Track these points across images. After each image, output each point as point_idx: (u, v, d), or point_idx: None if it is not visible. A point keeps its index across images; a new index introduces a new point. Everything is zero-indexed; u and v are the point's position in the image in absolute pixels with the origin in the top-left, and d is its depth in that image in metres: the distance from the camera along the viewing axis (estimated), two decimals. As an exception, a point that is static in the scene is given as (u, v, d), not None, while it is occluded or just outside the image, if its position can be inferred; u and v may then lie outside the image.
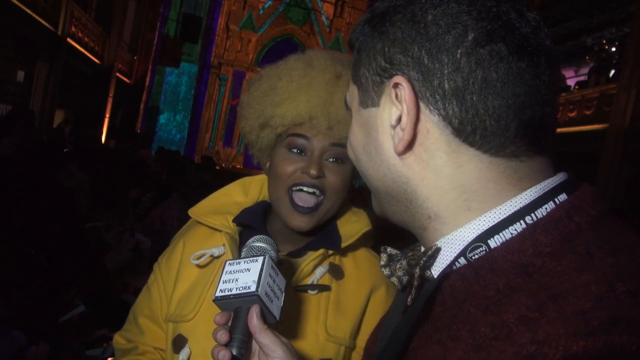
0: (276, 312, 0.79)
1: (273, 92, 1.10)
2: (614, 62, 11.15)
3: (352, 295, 1.12)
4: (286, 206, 1.08)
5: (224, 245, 1.13)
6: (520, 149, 0.58)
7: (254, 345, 0.78)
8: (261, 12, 20.39)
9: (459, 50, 0.55)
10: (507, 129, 0.56)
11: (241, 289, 0.77)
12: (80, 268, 2.51)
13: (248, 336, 0.76)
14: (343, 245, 1.13)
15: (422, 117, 0.59)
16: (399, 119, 0.60)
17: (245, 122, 1.17)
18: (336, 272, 1.13)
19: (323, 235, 1.15)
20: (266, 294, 0.77)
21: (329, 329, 1.07)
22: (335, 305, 1.10)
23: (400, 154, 0.60)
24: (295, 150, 1.09)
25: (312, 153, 1.08)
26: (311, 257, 1.10)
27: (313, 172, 1.05)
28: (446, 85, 0.56)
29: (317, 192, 1.07)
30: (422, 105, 0.58)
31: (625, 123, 9.68)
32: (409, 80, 0.58)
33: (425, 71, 0.57)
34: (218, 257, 1.13)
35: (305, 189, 1.07)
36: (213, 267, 1.13)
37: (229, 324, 0.78)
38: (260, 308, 0.76)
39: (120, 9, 14.24)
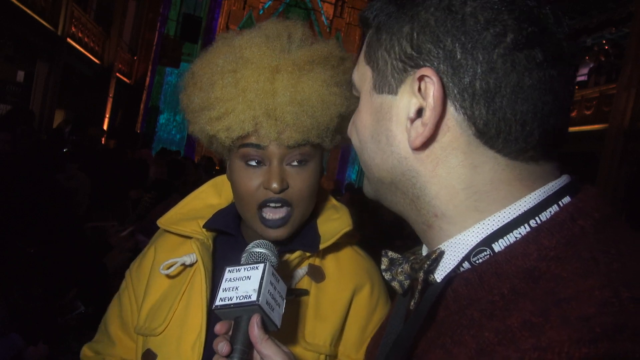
0: (277, 320, 0.77)
1: (209, 105, 0.97)
2: (614, 62, 11.15)
3: (333, 298, 1.05)
4: (258, 224, 1.00)
5: (195, 253, 1.05)
6: (538, 154, 0.57)
7: (255, 355, 0.77)
8: (261, 12, 20.38)
9: (497, 51, 0.53)
10: (530, 134, 0.55)
11: (241, 298, 0.75)
12: (79, 268, 2.51)
13: (249, 346, 0.74)
14: (321, 246, 1.05)
15: (446, 114, 0.56)
16: (418, 112, 0.57)
17: (191, 126, 1.05)
18: (316, 274, 1.06)
19: (301, 236, 1.07)
20: (267, 302, 0.75)
21: (307, 336, 1.01)
22: (314, 311, 1.03)
23: (416, 148, 0.58)
24: (252, 163, 0.98)
25: (271, 162, 0.97)
26: (288, 259, 1.03)
27: (275, 185, 0.95)
28: (477, 85, 0.54)
29: (285, 206, 0.99)
30: (447, 102, 0.56)
31: (625, 123, 9.68)
32: (438, 74, 0.55)
33: (457, 66, 0.54)
34: (190, 265, 1.06)
35: (272, 204, 0.99)
36: (185, 277, 1.06)
37: (229, 333, 0.77)
38: (261, 317, 0.74)
39: (120, 9, 14.22)
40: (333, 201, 1.18)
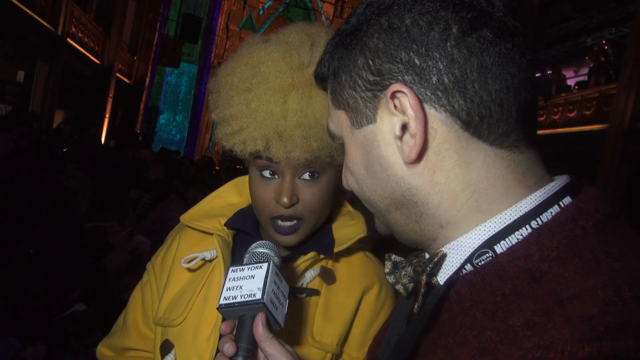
0: (281, 320, 0.77)
1: (226, 120, 1.02)
2: (614, 62, 11.16)
3: (342, 301, 1.08)
4: (271, 230, 1.04)
5: (216, 248, 1.09)
6: (519, 137, 0.58)
7: (259, 354, 0.77)
8: (261, 12, 20.40)
9: (448, 44, 0.56)
10: (509, 113, 0.57)
11: (246, 296, 0.75)
12: (79, 268, 2.51)
13: (253, 345, 0.74)
14: (336, 250, 1.08)
15: (429, 118, 0.58)
16: (403, 128, 0.59)
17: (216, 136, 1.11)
18: (328, 276, 1.09)
19: (315, 238, 1.11)
20: (271, 301, 0.76)
21: (315, 334, 1.03)
22: (324, 311, 1.06)
23: (413, 162, 0.59)
24: (266, 174, 1.02)
25: (283, 176, 1.01)
26: (302, 260, 1.06)
27: (285, 200, 0.99)
28: (445, 80, 0.56)
29: (295, 220, 1.02)
30: (425, 107, 0.58)
31: (625, 123, 9.69)
32: (407, 85, 0.57)
33: (420, 72, 0.57)
34: (210, 260, 1.10)
35: (284, 219, 1.02)
36: (204, 271, 1.10)
37: (234, 332, 0.77)
38: (265, 316, 0.75)
39: (120, 9, 14.24)
40: (349, 207, 1.20)
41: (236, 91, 1.00)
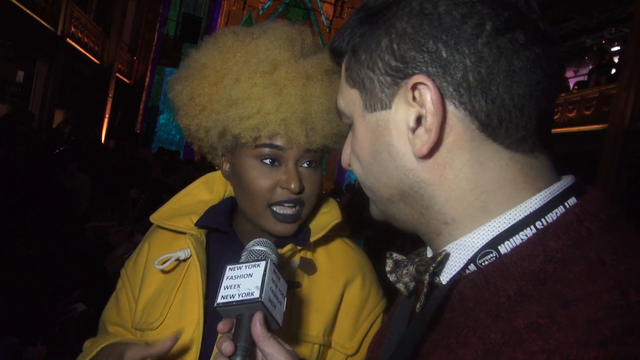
0: (279, 318, 0.77)
1: (239, 103, 0.98)
2: (613, 62, 11.15)
3: (325, 290, 1.07)
4: (267, 218, 1.02)
5: (189, 248, 1.07)
6: (535, 143, 0.57)
7: (258, 353, 0.76)
8: (261, 12, 20.38)
9: (480, 40, 0.54)
10: (529, 119, 0.55)
11: (244, 295, 0.75)
12: (79, 268, 2.51)
13: (252, 344, 0.74)
14: (312, 239, 1.07)
15: (447, 114, 0.56)
16: (418, 120, 0.57)
17: (190, 120, 1.06)
18: (308, 266, 1.08)
19: None
20: (269, 300, 0.75)
21: (301, 327, 1.03)
22: (307, 302, 1.05)
23: (423, 156, 0.57)
24: (267, 162, 1.00)
25: (287, 164, 1.00)
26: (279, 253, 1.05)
27: (295, 187, 0.98)
28: (470, 78, 0.54)
29: (297, 205, 1.02)
30: (446, 102, 0.56)
31: (625, 123, 9.69)
32: (430, 78, 0.55)
33: (445, 65, 0.54)
34: (184, 260, 1.08)
35: (286, 204, 1.01)
36: (179, 272, 1.08)
37: (232, 331, 0.76)
38: (263, 315, 0.74)
39: (120, 9, 14.23)
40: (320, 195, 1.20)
41: (253, 73, 0.98)
